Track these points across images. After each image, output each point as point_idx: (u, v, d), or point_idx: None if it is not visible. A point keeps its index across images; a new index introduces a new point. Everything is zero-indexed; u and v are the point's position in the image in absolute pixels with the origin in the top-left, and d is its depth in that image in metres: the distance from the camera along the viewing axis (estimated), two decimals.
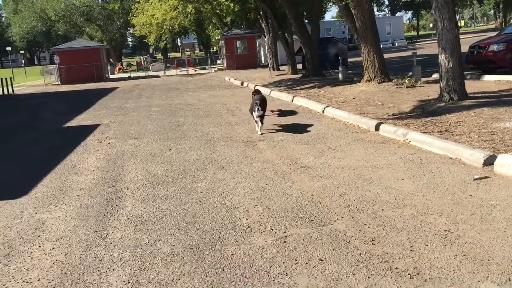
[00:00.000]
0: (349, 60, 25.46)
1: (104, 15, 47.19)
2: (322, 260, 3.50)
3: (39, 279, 3.51)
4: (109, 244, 4.07)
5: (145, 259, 3.71)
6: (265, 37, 32.33)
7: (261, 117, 8.77)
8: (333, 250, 3.65)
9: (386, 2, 78.20)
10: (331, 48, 24.03)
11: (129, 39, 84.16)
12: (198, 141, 8.53)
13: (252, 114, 8.96)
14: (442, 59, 9.50)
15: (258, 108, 8.61)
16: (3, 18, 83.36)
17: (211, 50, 59.93)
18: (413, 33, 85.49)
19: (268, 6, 23.43)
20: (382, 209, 4.42)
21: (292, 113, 11.07)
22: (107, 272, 3.54)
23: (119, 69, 44.36)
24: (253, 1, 26.81)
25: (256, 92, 10.06)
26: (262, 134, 8.65)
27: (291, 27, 26.62)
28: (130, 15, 39.60)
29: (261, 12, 27.33)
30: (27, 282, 3.48)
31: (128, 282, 3.36)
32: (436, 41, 9.86)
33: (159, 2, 33.80)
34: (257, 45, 38.17)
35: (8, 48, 50.95)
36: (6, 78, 26.56)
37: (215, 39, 47.95)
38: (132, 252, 3.86)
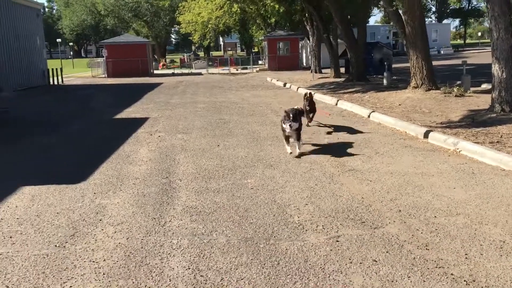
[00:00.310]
0: (393, 66, 25.14)
1: (151, 11, 48.33)
2: (376, 261, 3.57)
3: (104, 260, 3.72)
4: (168, 231, 4.26)
5: (203, 248, 3.88)
6: (308, 39, 32.33)
7: (297, 133, 7.07)
8: (387, 252, 3.71)
9: (433, 9, 76.61)
10: (376, 53, 23.82)
11: (173, 36, 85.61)
12: (245, 139, 8.69)
13: (283, 131, 7.16)
14: (496, 69, 9.32)
15: (290, 125, 6.85)
16: (54, 11, 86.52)
17: (253, 50, 60.31)
18: (460, 41, 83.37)
19: (314, 9, 23.45)
20: (435, 216, 4.43)
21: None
22: (168, 258, 3.72)
23: (163, 65, 45.33)
24: (299, 3, 26.90)
25: (308, 97, 9.58)
26: (297, 156, 6.99)
27: (336, 30, 26.56)
28: (176, 13, 40.38)
29: (306, 14, 27.35)
30: (93, 261, 3.70)
31: (189, 268, 3.53)
32: (488, 50, 9.68)
33: (206, 1, 34.33)
34: (299, 47, 38.19)
35: (58, 40, 52.86)
36: (56, 69, 27.62)
37: (258, 40, 48.23)
38: (190, 240, 4.03)
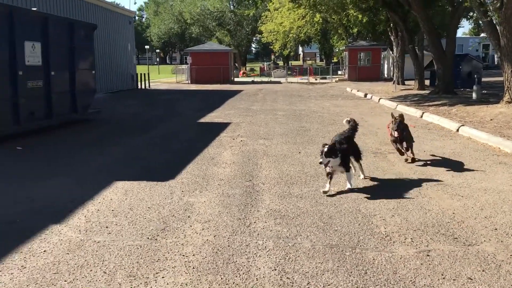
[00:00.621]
0: (483, 79, 23.79)
1: (234, 21, 49.65)
2: (472, 279, 3.38)
3: (193, 255, 3.85)
4: (253, 232, 4.33)
5: (288, 251, 3.89)
6: (391, 50, 31.50)
7: (342, 165, 5.58)
8: (483, 271, 3.50)
9: None
10: (464, 65, 22.68)
11: (253, 45, 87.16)
12: None
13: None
14: None
15: (323, 155, 5.40)
16: (144, 19, 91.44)
17: (332, 60, 59.84)
18: None
19: (400, 19, 22.85)
20: None
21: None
22: (254, 258, 3.77)
23: (243, 73, 46.26)
24: (384, 13, 26.32)
25: (398, 119, 6.96)
26: (349, 188, 5.66)
27: (422, 41, 25.64)
28: (259, 22, 41.13)
29: (391, 25, 26.71)
30: (183, 255, 3.84)
31: (275, 269, 3.56)
32: None
33: (288, 10, 34.60)
34: (381, 58, 37.32)
35: (147, 47, 55.79)
36: (144, 74, 29.15)
37: (339, 50, 47.79)
38: (275, 243, 4.06)
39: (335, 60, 59.52)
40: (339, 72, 44.47)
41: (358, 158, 6.20)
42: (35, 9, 13.13)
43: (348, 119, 6.67)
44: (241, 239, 4.17)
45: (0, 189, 5.96)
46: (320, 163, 5.50)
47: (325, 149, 5.40)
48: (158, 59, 79.86)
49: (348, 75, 36.59)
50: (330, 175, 5.63)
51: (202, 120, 13.10)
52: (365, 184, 6.00)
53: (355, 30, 37.20)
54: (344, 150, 5.63)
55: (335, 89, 26.81)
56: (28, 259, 3.78)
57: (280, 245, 4.01)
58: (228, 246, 4.01)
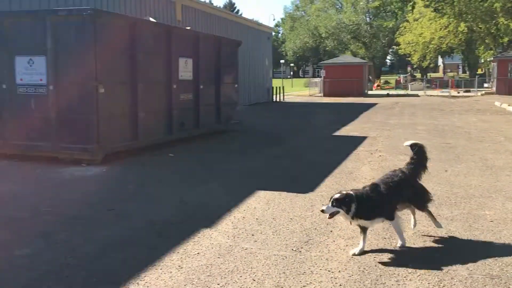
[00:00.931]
0: None
1: (370, 33, 48.72)
2: None
3: (339, 271, 3.79)
4: (401, 253, 4.12)
5: (442, 277, 3.62)
6: None
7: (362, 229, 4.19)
8: None
9: None
10: None
11: (388, 57, 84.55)
12: (476, 166, 7.96)
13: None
14: None
15: (330, 202, 4.08)
16: (280, 34, 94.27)
17: (477, 72, 55.44)
18: None
19: None
20: None
21: None
22: (404, 281, 3.58)
23: (377, 86, 45.08)
24: None
25: None
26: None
27: None
28: (396, 34, 39.84)
29: None
30: (328, 271, 3.80)
31: None
32: None
33: (430, 21, 33.00)
34: None
35: (282, 61, 57.45)
36: (278, 87, 29.97)
37: (485, 61, 44.12)
38: (427, 267, 3.81)
39: (480, 72, 55.08)
40: (485, 85, 40.98)
41: (421, 205, 4.54)
42: (188, 27, 14.30)
43: (411, 143, 4.91)
44: (388, 259, 4.00)
45: (156, 193, 6.54)
46: (322, 211, 4.11)
47: (336, 196, 4.07)
48: (291, 72, 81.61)
49: (496, 88, 33.48)
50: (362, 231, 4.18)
51: (337, 133, 13.00)
52: None
53: (506, 39, 34.11)
54: (374, 203, 4.12)
55: (481, 103, 24.71)
56: (184, 260, 4.06)
57: (432, 270, 3.76)
58: (375, 266, 3.87)
